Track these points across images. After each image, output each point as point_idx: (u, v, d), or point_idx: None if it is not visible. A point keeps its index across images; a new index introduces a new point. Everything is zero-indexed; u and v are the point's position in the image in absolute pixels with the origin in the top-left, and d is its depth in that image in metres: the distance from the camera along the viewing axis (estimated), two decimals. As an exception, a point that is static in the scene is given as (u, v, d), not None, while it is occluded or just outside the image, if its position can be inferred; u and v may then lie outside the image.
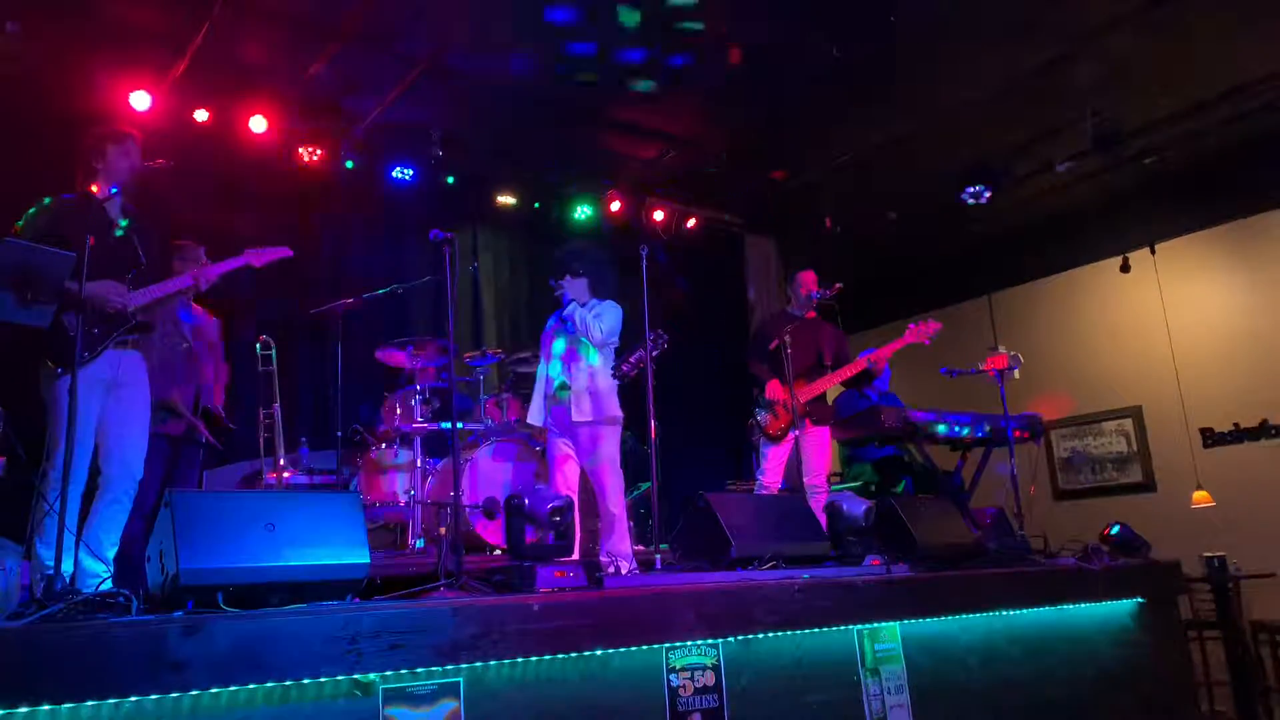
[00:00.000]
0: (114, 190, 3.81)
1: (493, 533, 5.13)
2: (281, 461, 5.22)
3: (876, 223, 7.64)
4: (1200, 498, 6.65)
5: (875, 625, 3.73)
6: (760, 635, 3.32)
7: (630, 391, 5.59)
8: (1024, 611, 4.30)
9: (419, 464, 5.29)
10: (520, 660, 2.77)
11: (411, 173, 6.79)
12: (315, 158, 6.37)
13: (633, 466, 6.13)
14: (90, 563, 3.41)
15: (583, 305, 4.62)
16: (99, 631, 2.19)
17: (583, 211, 7.64)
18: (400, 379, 5.73)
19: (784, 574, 3.73)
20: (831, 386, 5.74)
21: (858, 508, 4.94)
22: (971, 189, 6.79)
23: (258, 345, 5.38)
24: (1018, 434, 5.83)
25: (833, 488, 6.12)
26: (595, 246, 5.05)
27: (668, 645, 3.11)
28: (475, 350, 6.03)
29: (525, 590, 3.08)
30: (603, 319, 4.55)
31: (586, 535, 4.67)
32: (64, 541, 2.80)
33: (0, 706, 2.02)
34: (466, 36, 5.39)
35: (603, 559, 4.23)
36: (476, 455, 5.44)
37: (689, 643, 3.16)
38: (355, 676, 2.48)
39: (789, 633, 3.41)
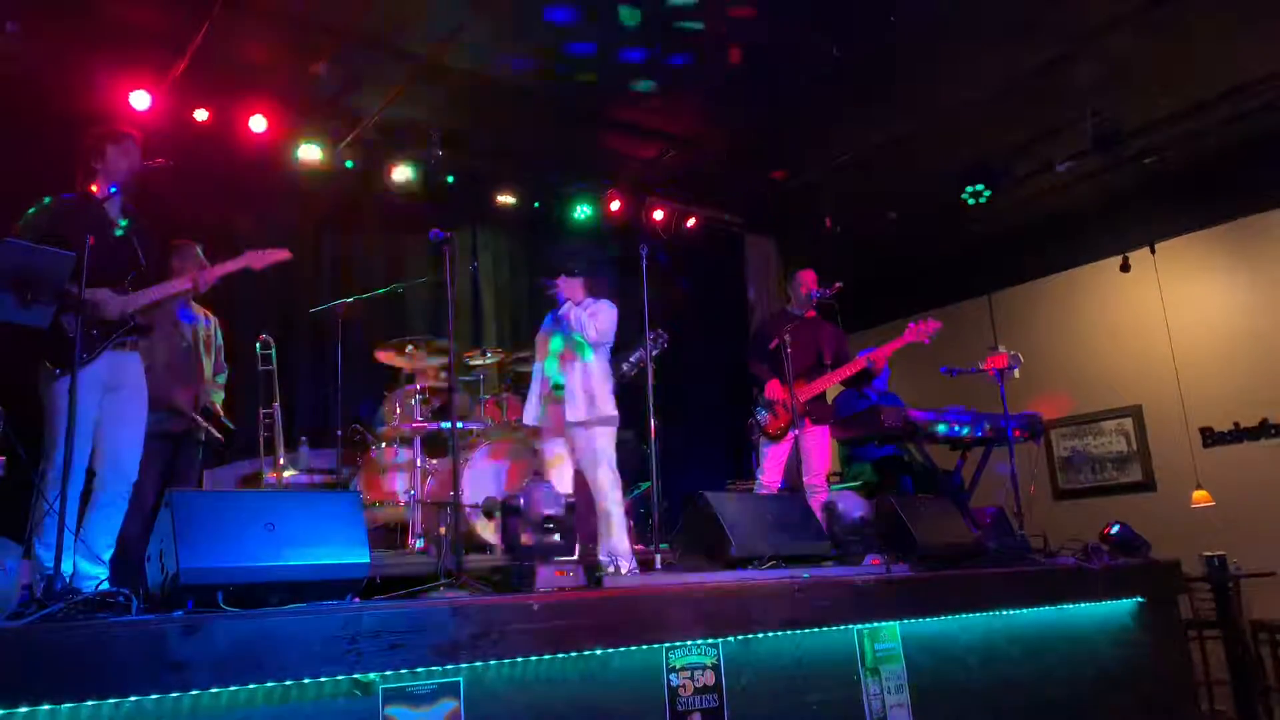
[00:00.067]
0: (113, 190, 3.81)
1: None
2: (281, 461, 5.22)
3: (876, 223, 7.64)
4: (1200, 497, 6.65)
5: (875, 625, 3.74)
6: (760, 635, 3.32)
7: (630, 391, 5.60)
8: (1024, 611, 4.31)
9: (419, 464, 5.29)
10: (520, 660, 2.77)
11: (411, 172, 6.79)
12: (315, 158, 6.37)
13: (633, 466, 6.14)
14: (87, 564, 3.41)
15: (578, 305, 4.62)
16: (99, 631, 2.20)
17: (583, 211, 7.64)
18: (400, 379, 5.73)
19: (784, 574, 3.73)
20: (831, 386, 5.75)
21: (855, 507, 4.95)
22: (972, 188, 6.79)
23: (258, 345, 5.38)
24: (1018, 433, 5.83)
25: (832, 487, 6.12)
26: (590, 246, 5.06)
27: (668, 645, 3.11)
28: (475, 349, 6.03)
29: (525, 590, 3.08)
30: (598, 318, 4.54)
31: (586, 535, 4.67)
32: (64, 541, 2.80)
33: (0, 706, 2.02)
34: (466, 36, 5.38)
35: (602, 558, 4.23)
36: (476, 455, 5.45)
37: (689, 642, 3.16)
38: (355, 676, 2.48)
39: (789, 632, 3.41)
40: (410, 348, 5.43)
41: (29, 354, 3.51)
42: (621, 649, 2.99)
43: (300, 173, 6.38)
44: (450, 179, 6.97)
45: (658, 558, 4.16)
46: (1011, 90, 6.06)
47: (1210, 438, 7.02)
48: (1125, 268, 7.52)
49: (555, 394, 4.53)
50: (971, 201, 6.90)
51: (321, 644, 2.41)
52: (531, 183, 7.41)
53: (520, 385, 5.91)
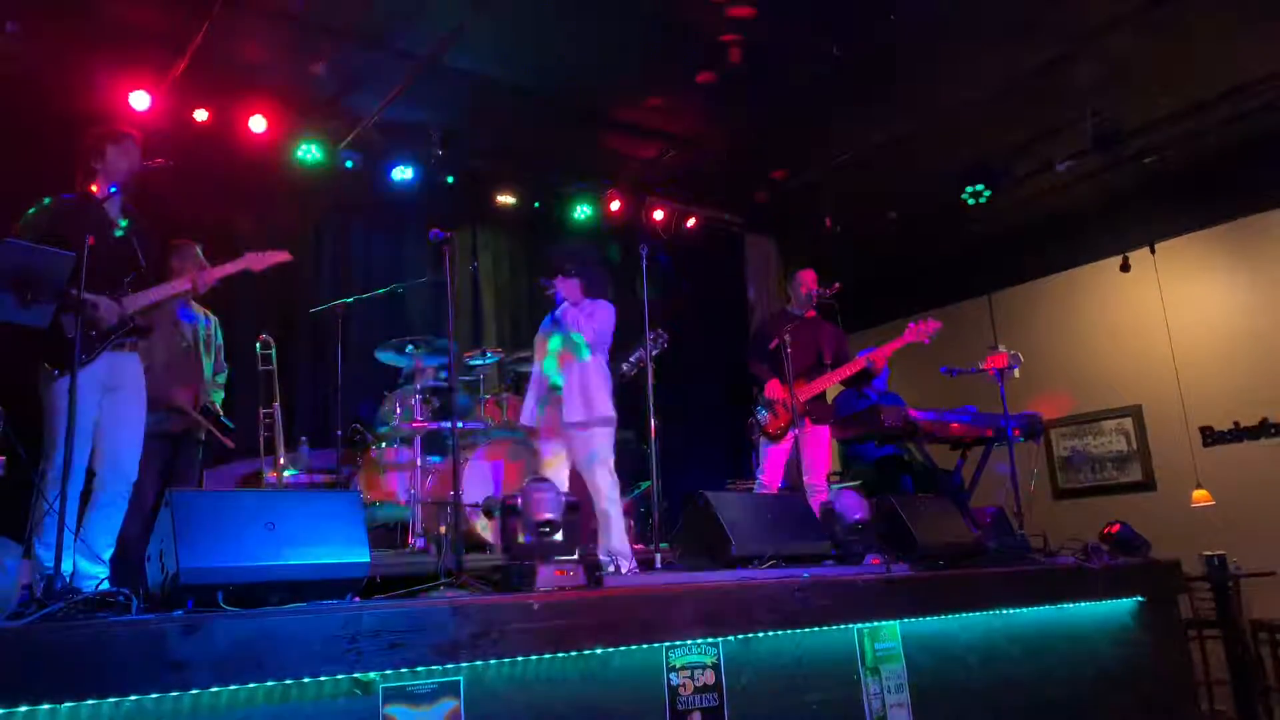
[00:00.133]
0: (113, 190, 3.81)
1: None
2: (281, 461, 5.23)
3: (876, 223, 7.64)
4: (1200, 496, 6.65)
5: (875, 624, 3.74)
6: (760, 634, 3.32)
7: (630, 391, 5.60)
8: (1024, 610, 4.30)
9: (419, 463, 5.29)
10: (520, 659, 2.77)
11: (411, 172, 6.79)
12: (315, 158, 6.37)
13: (633, 466, 6.14)
14: (86, 564, 3.41)
15: (575, 305, 4.61)
16: (99, 631, 2.19)
17: (583, 211, 7.64)
18: (400, 378, 5.74)
19: (784, 573, 3.73)
20: (831, 386, 5.75)
21: (855, 507, 4.94)
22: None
23: (258, 345, 5.38)
24: (1018, 433, 5.83)
25: (832, 486, 6.12)
26: (587, 246, 5.05)
27: (668, 644, 3.11)
28: (475, 349, 6.03)
29: (525, 589, 3.08)
30: (595, 319, 4.53)
31: (585, 535, 4.67)
32: (64, 541, 2.80)
33: (0, 706, 2.02)
34: (466, 36, 5.38)
35: (602, 558, 4.23)
36: (476, 454, 5.45)
37: (689, 641, 3.16)
38: (355, 675, 2.48)
39: (789, 631, 3.41)
40: (410, 348, 5.43)
41: (29, 354, 3.52)
42: (621, 648, 2.99)
43: (300, 173, 6.38)
44: (450, 179, 6.97)
45: (658, 557, 4.16)
46: (1011, 90, 6.06)
47: (1210, 437, 7.02)
48: (1125, 268, 7.53)
49: (553, 395, 4.53)
50: (971, 201, 6.90)
51: (321, 643, 2.41)
52: (531, 183, 7.41)
53: (520, 385, 5.91)
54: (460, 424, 4.61)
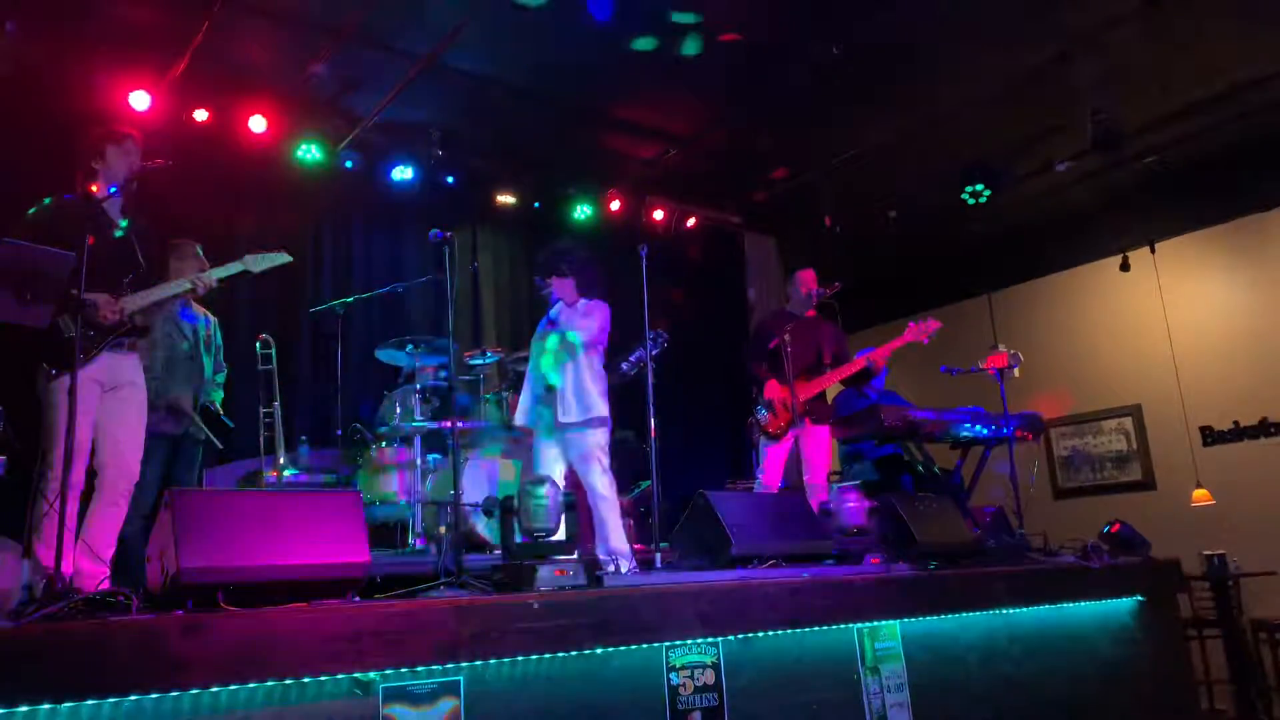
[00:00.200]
0: (113, 190, 3.81)
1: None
2: (281, 460, 5.23)
3: (876, 223, 7.64)
4: (1200, 496, 6.65)
5: (875, 624, 3.74)
6: (760, 634, 3.32)
7: (630, 391, 5.60)
8: (1024, 610, 4.30)
9: (419, 463, 5.29)
10: (520, 659, 2.77)
11: (411, 172, 6.79)
12: (315, 158, 6.37)
13: (633, 465, 6.14)
14: (87, 564, 3.41)
15: (570, 305, 4.61)
16: (99, 631, 2.19)
17: (583, 211, 7.64)
18: (400, 378, 5.74)
19: (784, 572, 3.73)
20: (831, 385, 5.75)
21: (855, 506, 4.94)
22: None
23: (258, 345, 5.39)
24: (1018, 433, 5.83)
25: (832, 485, 6.12)
26: (582, 246, 5.04)
27: (668, 644, 3.11)
28: (475, 349, 6.03)
29: (525, 589, 3.08)
30: (589, 319, 4.53)
31: (584, 534, 4.67)
32: (63, 541, 2.80)
33: (0, 706, 2.02)
34: (467, 36, 5.38)
35: (602, 558, 4.23)
36: (476, 454, 5.45)
37: (689, 641, 3.16)
38: (355, 675, 2.48)
39: (789, 631, 3.41)
40: (410, 348, 5.43)
41: (28, 354, 3.52)
42: (621, 648, 2.99)
43: (300, 173, 6.38)
44: (450, 179, 6.97)
45: (658, 557, 4.16)
46: (1011, 90, 6.06)
47: (1210, 436, 7.02)
48: (1125, 267, 7.53)
49: (548, 394, 4.52)
50: (971, 201, 6.90)
51: (321, 643, 2.41)
52: (531, 183, 7.41)
53: (520, 385, 5.91)
54: (460, 424, 4.62)
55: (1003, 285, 8.53)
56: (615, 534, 4.36)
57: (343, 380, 5.45)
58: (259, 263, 4.02)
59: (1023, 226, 7.96)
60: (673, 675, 3.12)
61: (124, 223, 3.84)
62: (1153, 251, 7.43)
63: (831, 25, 5.44)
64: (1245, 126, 6.47)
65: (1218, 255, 7.19)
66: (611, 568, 4.03)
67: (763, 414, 5.59)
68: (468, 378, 5.97)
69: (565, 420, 4.41)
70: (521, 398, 4.70)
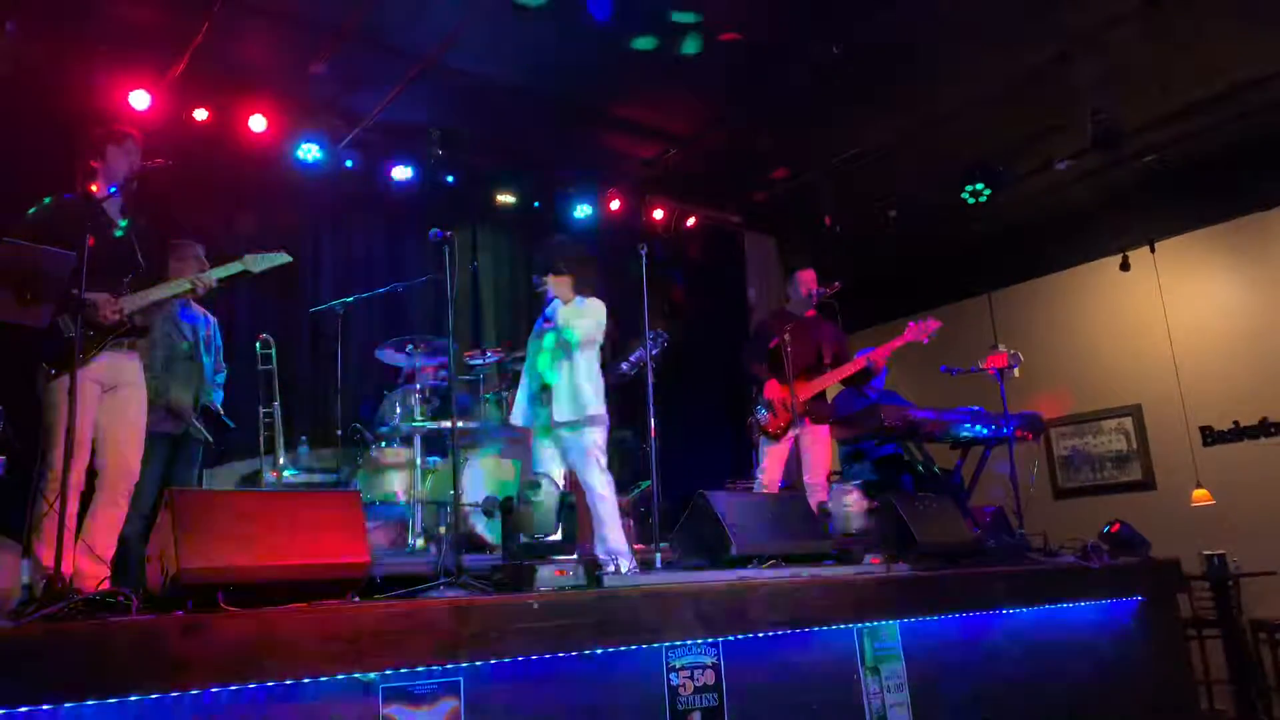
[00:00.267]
0: (113, 190, 3.81)
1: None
2: (281, 460, 5.23)
3: (876, 223, 7.64)
4: (1200, 496, 6.65)
5: (875, 624, 3.74)
6: (760, 634, 3.32)
7: (630, 391, 5.60)
8: (1024, 610, 4.31)
9: (419, 463, 5.30)
10: (520, 660, 2.77)
11: (411, 172, 6.79)
12: (315, 158, 6.37)
13: (632, 465, 6.14)
14: (88, 563, 3.41)
15: (566, 303, 4.60)
16: (99, 631, 2.20)
17: (583, 211, 7.64)
18: (400, 378, 5.74)
19: (784, 573, 3.73)
20: (831, 385, 5.75)
21: (855, 506, 4.95)
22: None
23: (258, 345, 5.39)
24: (1018, 432, 5.83)
25: (832, 486, 6.12)
26: (579, 244, 5.03)
27: (667, 644, 3.11)
28: (475, 349, 6.03)
29: (525, 589, 3.08)
30: (585, 317, 4.52)
31: (583, 534, 4.66)
32: (63, 541, 2.80)
33: (0, 706, 2.02)
34: (466, 36, 5.38)
35: (601, 557, 4.23)
36: (476, 454, 5.45)
37: (689, 642, 3.16)
38: (355, 675, 2.48)
39: (789, 632, 3.41)
40: (410, 347, 5.43)
41: (28, 354, 3.52)
42: (621, 648, 2.99)
43: (300, 173, 6.38)
44: (450, 179, 6.97)
45: (658, 557, 4.16)
46: (1011, 90, 6.06)
47: (1210, 436, 7.01)
48: (1125, 267, 7.53)
49: (544, 393, 4.52)
50: (971, 201, 6.89)
51: (321, 643, 2.41)
52: (531, 183, 7.41)
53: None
54: (460, 424, 4.62)
55: (1003, 285, 8.52)
56: (614, 533, 4.36)
57: (343, 380, 5.45)
58: (259, 263, 4.02)
59: (1023, 226, 7.96)
60: (673, 675, 3.12)
61: (124, 223, 3.84)
62: (1153, 251, 7.43)
63: (831, 25, 5.44)
64: (1245, 126, 6.47)
65: (1218, 255, 7.19)
66: (611, 567, 4.03)
67: (762, 414, 5.59)
68: (468, 378, 5.97)
69: (559, 419, 4.40)
70: (517, 397, 4.69)
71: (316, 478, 5.53)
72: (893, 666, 3.75)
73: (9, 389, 3.57)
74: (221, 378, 4.92)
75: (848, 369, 5.66)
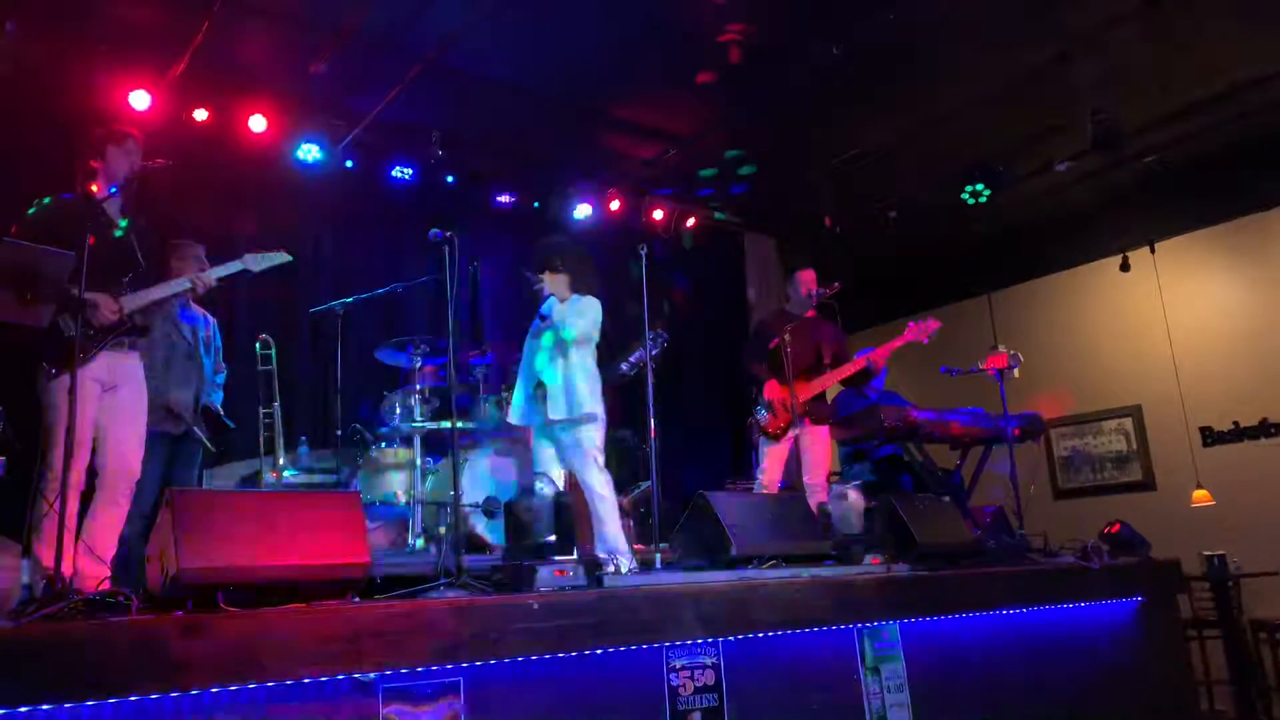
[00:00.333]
0: (113, 190, 3.81)
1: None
2: (281, 461, 5.22)
3: (876, 223, 7.64)
4: (1200, 496, 6.65)
5: (875, 624, 3.74)
6: (760, 635, 3.32)
7: (630, 391, 5.60)
8: (1024, 611, 4.31)
9: (419, 463, 5.30)
10: (520, 660, 2.77)
11: (411, 173, 6.78)
12: (315, 158, 6.37)
13: (632, 465, 6.14)
14: (89, 563, 3.41)
15: (563, 301, 4.60)
16: (99, 631, 2.20)
17: (582, 211, 7.64)
18: (400, 378, 5.74)
19: (784, 573, 3.73)
20: (830, 385, 5.75)
21: (855, 506, 4.94)
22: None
23: (258, 345, 5.38)
24: (1017, 433, 5.83)
25: (832, 486, 6.12)
26: (575, 241, 5.03)
27: (667, 645, 3.11)
28: (475, 349, 6.03)
29: (525, 589, 3.08)
30: (582, 315, 4.52)
31: (584, 534, 4.66)
32: (63, 541, 2.80)
33: (0, 706, 2.02)
34: (466, 36, 5.38)
35: (601, 556, 4.23)
36: (476, 454, 5.44)
37: (689, 642, 3.16)
38: (355, 676, 2.48)
39: (789, 632, 3.41)
40: (410, 348, 5.43)
41: (28, 354, 3.52)
42: (621, 649, 2.99)
43: (300, 173, 6.38)
44: (450, 179, 6.97)
45: (658, 557, 4.16)
46: (1011, 90, 6.06)
47: (1210, 437, 7.01)
48: (1125, 267, 7.53)
49: (540, 392, 4.51)
50: (971, 201, 6.90)
51: (321, 644, 2.41)
52: (531, 183, 7.41)
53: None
54: (460, 424, 4.61)
55: (1003, 285, 8.52)
56: (613, 531, 4.35)
57: (343, 381, 5.44)
58: (259, 262, 4.03)
59: (1023, 226, 7.96)
60: (673, 676, 3.12)
61: (124, 222, 3.84)
62: (1153, 251, 7.43)
63: (831, 25, 5.44)
64: (1245, 126, 6.47)
65: (1218, 255, 7.19)
66: (611, 567, 4.03)
67: (762, 414, 5.59)
68: (468, 378, 5.97)
69: (554, 417, 4.39)
70: (514, 396, 4.68)
71: (316, 478, 5.52)
72: (893, 667, 3.75)
73: (9, 389, 3.56)
74: (221, 378, 4.92)
75: (848, 369, 5.66)
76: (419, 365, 5.48)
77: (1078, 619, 4.54)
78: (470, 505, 5.10)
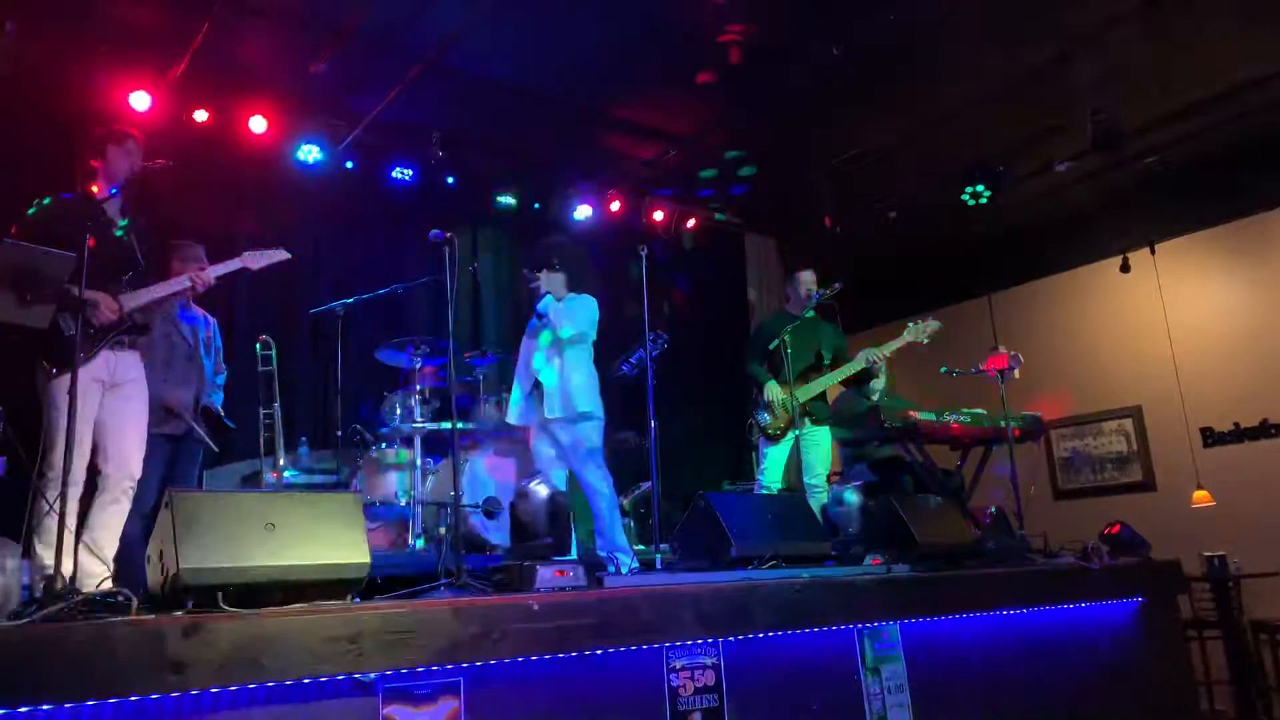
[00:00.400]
0: (113, 190, 3.81)
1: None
2: (281, 461, 5.22)
3: (876, 223, 7.64)
4: (1200, 497, 6.65)
5: (875, 625, 3.74)
6: (760, 635, 3.32)
7: (631, 391, 5.60)
8: (1024, 611, 4.30)
9: (419, 464, 5.30)
10: (520, 660, 2.77)
11: (411, 173, 6.79)
12: (315, 158, 6.36)
13: (633, 466, 6.14)
14: (90, 563, 3.41)
15: (560, 300, 4.59)
16: (99, 631, 2.19)
17: (583, 212, 7.64)
18: (400, 379, 5.74)
19: (784, 574, 3.73)
20: (830, 386, 5.74)
21: (855, 506, 4.95)
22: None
23: (258, 345, 5.38)
24: (1018, 433, 5.83)
25: (832, 486, 6.12)
26: (573, 240, 5.03)
27: (667, 645, 3.11)
28: (475, 350, 6.03)
29: (525, 589, 3.08)
30: (579, 314, 4.51)
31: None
32: (64, 541, 2.80)
33: (0, 706, 2.02)
34: (466, 36, 5.38)
35: (601, 555, 4.23)
36: (476, 454, 5.44)
37: (689, 642, 3.16)
38: (355, 676, 2.48)
39: (789, 632, 3.41)
40: (410, 348, 5.43)
41: (28, 354, 3.51)
42: (621, 649, 2.99)
43: (300, 173, 6.37)
44: (450, 179, 6.97)
45: (658, 558, 4.16)
46: (1011, 90, 6.06)
47: (1210, 438, 7.02)
48: (1125, 268, 7.53)
49: (538, 391, 4.51)
50: (971, 201, 6.89)
51: (321, 644, 2.41)
52: (531, 183, 7.41)
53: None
54: (460, 424, 4.61)
55: (1003, 286, 8.52)
56: (614, 530, 4.35)
57: (343, 381, 5.45)
58: (257, 260, 4.03)
59: (1023, 227, 7.96)
60: (673, 676, 3.12)
61: (124, 222, 3.83)
62: (1153, 252, 7.43)
63: (831, 25, 5.44)
64: (1245, 126, 6.47)
65: (1218, 256, 7.19)
66: (611, 566, 4.03)
67: (762, 415, 5.59)
68: (467, 379, 5.97)
69: (550, 416, 4.39)
70: (512, 395, 4.68)
71: (317, 479, 5.52)
72: (893, 667, 3.75)
73: (9, 389, 3.56)
74: (221, 379, 4.91)
75: (848, 370, 5.65)
76: (419, 366, 5.48)
77: (1078, 619, 4.54)
78: (470, 505, 5.10)
